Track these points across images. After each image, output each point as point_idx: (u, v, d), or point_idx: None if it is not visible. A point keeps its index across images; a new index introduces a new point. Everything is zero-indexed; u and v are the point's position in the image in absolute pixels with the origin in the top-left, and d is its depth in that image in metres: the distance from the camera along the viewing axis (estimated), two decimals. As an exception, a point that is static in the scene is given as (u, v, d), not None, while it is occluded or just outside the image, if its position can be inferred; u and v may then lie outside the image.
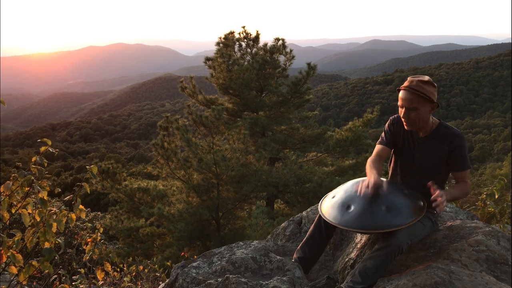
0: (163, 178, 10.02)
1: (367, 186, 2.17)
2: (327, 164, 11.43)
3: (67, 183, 34.73)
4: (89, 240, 2.12)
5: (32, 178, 1.58)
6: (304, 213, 2.97)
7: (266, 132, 10.80)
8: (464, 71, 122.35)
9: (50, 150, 1.69)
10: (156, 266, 3.92)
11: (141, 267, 3.97)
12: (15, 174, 1.69)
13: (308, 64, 10.27)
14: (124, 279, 3.33)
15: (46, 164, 1.65)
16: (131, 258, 4.09)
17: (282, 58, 10.86)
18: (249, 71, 9.70)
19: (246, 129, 9.39)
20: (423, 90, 2.20)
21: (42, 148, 1.69)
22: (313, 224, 2.39)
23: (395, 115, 2.49)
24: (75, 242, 2.27)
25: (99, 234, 2.15)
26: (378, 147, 2.51)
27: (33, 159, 1.67)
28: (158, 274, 3.82)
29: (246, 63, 10.26)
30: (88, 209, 17.76)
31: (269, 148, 9.54)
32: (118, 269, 3.43)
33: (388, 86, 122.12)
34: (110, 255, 2.23)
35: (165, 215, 8.85)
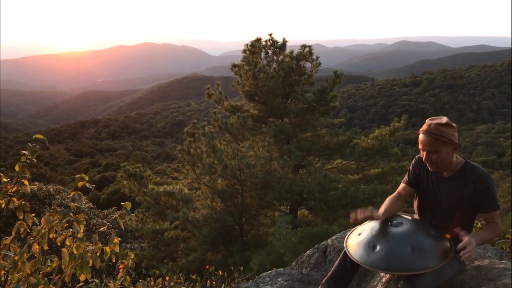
0: (189, 183, 10.18)
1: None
2: (352, 172, 11.33)
3: (95, 181, 35.58)
4: (121, 266, 2.20)
5: (72, 218, 1.67)
6: (329, 241, 2.98)
7: (291, 139, 10.81)
8: (496, 74, 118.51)
9: (87, 186, 1.78)
10: (182, 279, 4.00)
11: (167, 278, 4.06)
12: (54, 207, 1.78)
13: (335, 72, 10.21)
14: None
15: (83, 200, 1.74)
16: (158, 271, 4.19)
17: (308, 65, 10.83)
18: (275, 79, 9.73)
19: (271, 136, 9.43)
20: (442, 133, 2.21)
21: (80, 183, 1.78)
22: (338, 259, 2.41)
23: (420, 155, 2.48)
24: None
25: (130, 261, 2.24)
26: (401, 185, 2.56)
27: (72, 193, 1.76)
28: (184, 288, 3.90)
29: (272, 70, 10.29)
30: (115, 207, 18.21)
31: (294, 156, 9.55)
32: (146, 283, 3.52)
33: (416, 88, 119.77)
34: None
35: (189, 219, 8.99)
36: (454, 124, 2.26)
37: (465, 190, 2.28)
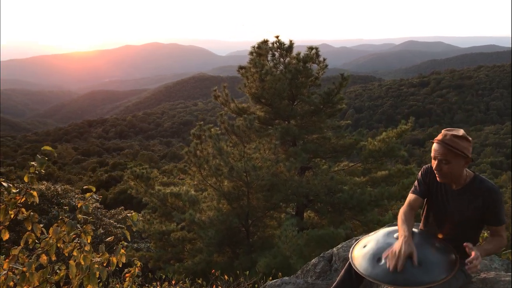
0: (195, 185, 10.20)
1: (397, 256, 2.07)
2: (358, 174, 11.29)
3: (102, 180, 35.80)
4: (127, 275, 2.22)
5: (80, 230, 1.70)
6: (334, 249, 2.98)
7: (297, 141, 10.79)
8: (505, 74, 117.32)
9: (94, 197, 1.80)
10: (188, 283, 4.02)
11: (174, 282, 4.08)
12: (62, 217, 1.80)
13: (341, 74, 10.18)
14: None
15: (91, 210, 1.76)
16: (164, 276, 4.22)
17: (314, 67, 10.80)
18: (282, 81, 9.73)
19: (277, 138, 9.42)
20: (456, 144, 2.20)
21: (87, 194, 1.80)
22: (343, 270, 2.41)
23: (429, 164, 2.48)
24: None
25: (136, 270, 2.26)
26: (410, 196, 2.49)
27: (79, 204, 1.78)
28: (190, 293, 3.92)
29: (278, 72, 10.28)
30: (122, 207, 18.33)
31: (300, 158, 9.54)
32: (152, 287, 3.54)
33: (423, 88, 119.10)
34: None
35: (196, 221, 9.02)
36: (470, 138, 2.25)
37: (475, 203, 2.27)
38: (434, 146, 2.28)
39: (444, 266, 2.07)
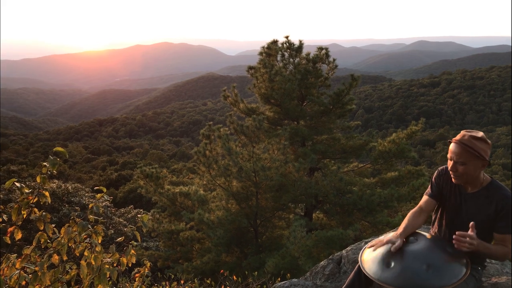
0: (204, 184, 10.24)
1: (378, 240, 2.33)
2: (368, 175, 11.22)
3: (112, 179, 36.05)
4: (137, 275, 2.24)
5: (91, 231, 1.72)
6: (344, 252, 2.97)
7: (307, 141, 10.77)
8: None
9: (105, 197, 1.82)
10: (196, 283, 4.04)
11: (182, 281, 4.10)
12: (74, 218, 1.82)
13: (352, 75, 10.14)
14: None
15: (102, 211, 1.77)
16: (173, 275, 4.24)
17: (324, 67, 10.76)
18: (291, 81, 9.71)
19: (286, 139, 9.42)
20: (474, 145, 2.17)
21: (98, 196, 1.82)
22: (353, 273, 2.41)
23: (443, 167, 2.48)
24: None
25: (146, 270, 2.27)
26: (424, 198, 2.50)
27: (90, 205, 1.80)
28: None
29: (288, 72, 10.27)
30: (131, 206, 18.49)
31: (309, 159, 9.52)
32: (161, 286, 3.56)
33: (434, 88, 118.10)
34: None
35: (205, 221, 9.06)
36: (489, 141, 2.22)
37: (488, 208, 2.25)
38: (451, 146, 2.26)
39: (455, 271, 2.06)
